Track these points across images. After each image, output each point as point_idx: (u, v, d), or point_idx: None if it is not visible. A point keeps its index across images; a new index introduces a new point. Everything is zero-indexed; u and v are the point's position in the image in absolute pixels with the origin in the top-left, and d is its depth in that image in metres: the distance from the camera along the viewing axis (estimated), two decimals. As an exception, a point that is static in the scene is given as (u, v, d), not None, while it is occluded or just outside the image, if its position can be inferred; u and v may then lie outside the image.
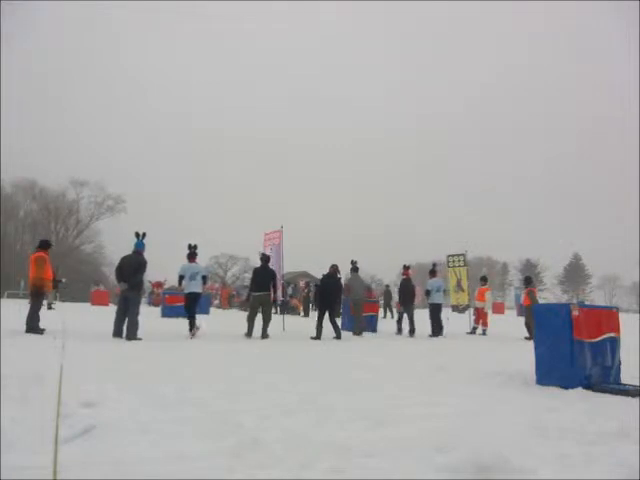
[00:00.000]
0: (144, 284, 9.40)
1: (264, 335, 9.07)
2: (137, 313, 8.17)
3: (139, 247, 8.55)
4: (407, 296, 11.89)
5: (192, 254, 9.82)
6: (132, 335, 7.97)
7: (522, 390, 4.57)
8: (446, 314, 12.38)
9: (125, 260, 8.51)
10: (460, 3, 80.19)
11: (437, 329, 11.52)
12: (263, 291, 9.44)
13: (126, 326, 8.07)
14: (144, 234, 8.61)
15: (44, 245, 9.04)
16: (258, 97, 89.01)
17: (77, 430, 2.72)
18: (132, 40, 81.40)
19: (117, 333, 8.16)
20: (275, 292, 9.90)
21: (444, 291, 12.25)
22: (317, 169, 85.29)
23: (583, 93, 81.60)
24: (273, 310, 21.62)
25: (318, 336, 9.64)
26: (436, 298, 11.87)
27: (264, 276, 9.57)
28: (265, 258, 9.99)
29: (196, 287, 9.52)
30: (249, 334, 9.24)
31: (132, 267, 8.29)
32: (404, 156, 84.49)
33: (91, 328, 9.86)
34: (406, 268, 12.33)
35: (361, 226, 75.99)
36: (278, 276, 12.48)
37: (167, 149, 78.24)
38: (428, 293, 11.96)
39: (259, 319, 9.44)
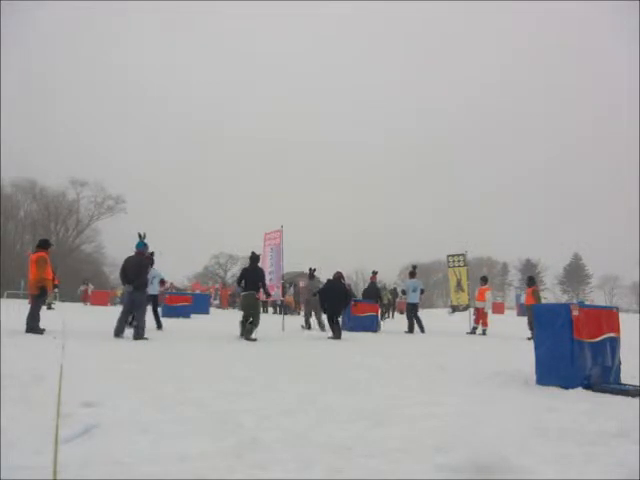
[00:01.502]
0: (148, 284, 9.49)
1: (248, 336, 8.78)
2: (144, 313, 8.26)
3: (139, 247, 8.60)
4: (372, 298, 13.22)
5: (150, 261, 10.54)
6: (139, 335, 8.02)
7: (522, 390, 4.57)
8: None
9: (128, 261, 8.54)
10: (460, 3, 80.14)
11: (418, 326, 12.43)
12: (251, 290, 9.26)
13: (134, 326, 8.12)
14: (144, 234, 8.67)
15: (45, 245, 8.98)
16: (258, 97, 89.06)
17: (77, 430, 2.72)
18: (132, 40, 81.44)
19: (119, 333, 8.19)
20: (265, 292, 9.69)
21: (421, 291, 13.06)
22: (317, 169, 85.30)
23: (583, 93, 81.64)
24: (272, 310, 21.56)
25: (337, 336, 9.92)
26: (412, 298, 12.76)
27: (253, 276, 9.39)
28: (254, 258, 9.76)
29: (153, 290, 10.69)
30: (242, 335, 9.02)
31: (135, 268, 8.33)
32: (404, 156, 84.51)
33: (91, 328, 9.88)
34: (374, 273, 14.04)
35: (361, 226, 75.95)
36: (278, 276, 12.52)
37: (167, 149, 78.21)
38: (404, 293, 13.10)
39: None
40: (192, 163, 77.73)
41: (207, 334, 9.82)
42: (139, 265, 8.37)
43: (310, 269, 14.43)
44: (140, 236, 8.65)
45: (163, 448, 2.52)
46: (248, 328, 8.92)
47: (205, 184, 78.69)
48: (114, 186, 51.78)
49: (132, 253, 8.87)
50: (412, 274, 13.26)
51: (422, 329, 12.43)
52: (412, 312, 12.59)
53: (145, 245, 8.66)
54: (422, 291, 13.09)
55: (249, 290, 9.22)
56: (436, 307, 46.10)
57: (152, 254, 10.48)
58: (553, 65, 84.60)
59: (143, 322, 8.16)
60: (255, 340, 8.70)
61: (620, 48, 72.66)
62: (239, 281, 9.63)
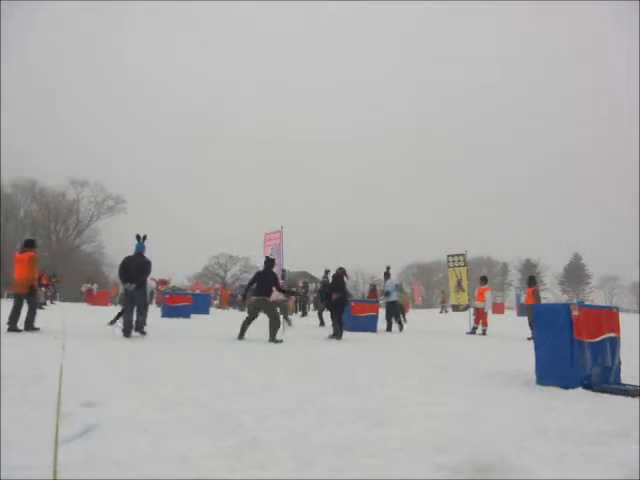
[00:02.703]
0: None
1: (272, 339, 8.52)
2: (146, 310, 8.82)
3: (139, 249, 8.83)
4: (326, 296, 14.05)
5: None
6: (140, 330, 8.59)
7: (522, 390, 4.57)
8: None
9: (129, 261, 8.72)
10: (459, 3, 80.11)
11: (388, 324, 12.88)
12: (263, 295, 8.93)
13: (135, 322, 8.55)
14: (144, 236, 8.91)
15: (34, 245, 9.10)
16: (258, 97, 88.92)
17: (77, 430, 2.72)
18: (132, 40, 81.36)
19: (128, 333, 8.43)
20: (281, 291, 9.47)
21: (399, 290, 14.37)
22: (317, 169, 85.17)
23: (583, 92, 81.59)
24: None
25: (337, 335, 9.80)
26: (393, 297, 13.33)
27: (266, 280, 9.03)
28: (269, 262, 9.36)
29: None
30: (241, 337, 8.77)
31: (137, 268, 8.60)
32: (404, 156, 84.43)
33: (92, 328, 9.88)
34: (326, 272, 14.84)
35: (361, 226, 75.90)
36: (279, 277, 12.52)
37: (167, 149, 78.14)
38: (388, 294, 13.32)
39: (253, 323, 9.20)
40: (192, 163, 77.76)
41: (207, 334, 9.82)
42: (142, 265, 8.68)
43: (282, 270, 15.37)
44: (139, 238, 8.90)
45: (163, 448, 2.52)
46: (272, 332, 8.60)
47: (205, 184, 78.66)
48: (114, 186, 51.81)
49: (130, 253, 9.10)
50: (387, 275, 13.61)
51: (390, 328, 12.85)
52: (395, 310, 13.08)
53: (144, 247, 8.88)
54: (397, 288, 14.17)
55: (260, 294, 8.92)
56: (436, 307, 46.10)
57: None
58: (553, 65, 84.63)
59: (144, 318, 8.72)
60: (281, 341, 8.45)
61: (620, 48, 72.69)
62: (250, 284, 9.37)
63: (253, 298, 9.12)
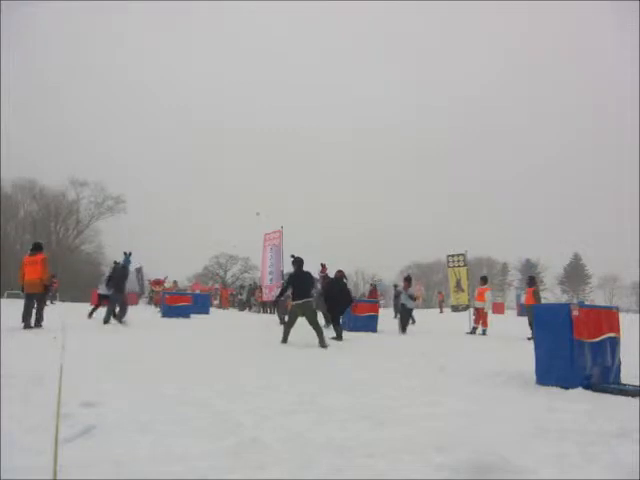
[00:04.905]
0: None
1: (322, 344, 8.08)
2: (126, 306, 11.55)
3: (125, 263, 11.84)
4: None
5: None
6: (121, 319, 11.24)
7: (522, 390, 4.57)
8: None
9: (115, 271, 11.79)
10: (458, 3, 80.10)
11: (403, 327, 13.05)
12: (304, 298, 8.36)
13: (117, 313, 11.28)
14: (130, 253, 11.87)
15: (42, 247, 9.79)
16: (258, 96, 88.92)
17: (77, 430, 2.72)
18: (132, 39, 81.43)
19: (106, 322, 10.97)
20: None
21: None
22: (317, 168, 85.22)
23: (583, 91, 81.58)
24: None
25: (337, 337, 9.53)
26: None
27: (304, 281, 8.48)
28: (298, 261, 8.64)
29: (103, 290, 12.93)
30: (284, 341, 8.39)
31: (118, 277, 11.55)
32: (404, 155, 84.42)
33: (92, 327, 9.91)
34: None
35: (362, 225, 75.83)
36: (277, 276, 12.53)
37: (167, 149, 78.10)
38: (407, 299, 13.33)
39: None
40: (192, 163, 77.78)
41: (207, 334, 9.82)
42: (121, 275, 11.60)
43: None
44: (125, 254, 11.78)
45: (163, 448, 2.52)
46: (320, 338, 8.15)
47: (205, 184, 78.68)
48: (114, 186, 51.79)
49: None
50: (409, 280, 13.38)
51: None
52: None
53: (129, 261, 11.88)
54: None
55: (301, 298, 8.36)
56: (435, 307, 46.14)
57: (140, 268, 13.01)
58: (553, 65, 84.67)
59: (123, 312, 11.41)
60: (328, 346, 8.07)
61: (620, 47, 72.69)
62: (285, 288, 8.92)
63: (295, 303, 8.53)
